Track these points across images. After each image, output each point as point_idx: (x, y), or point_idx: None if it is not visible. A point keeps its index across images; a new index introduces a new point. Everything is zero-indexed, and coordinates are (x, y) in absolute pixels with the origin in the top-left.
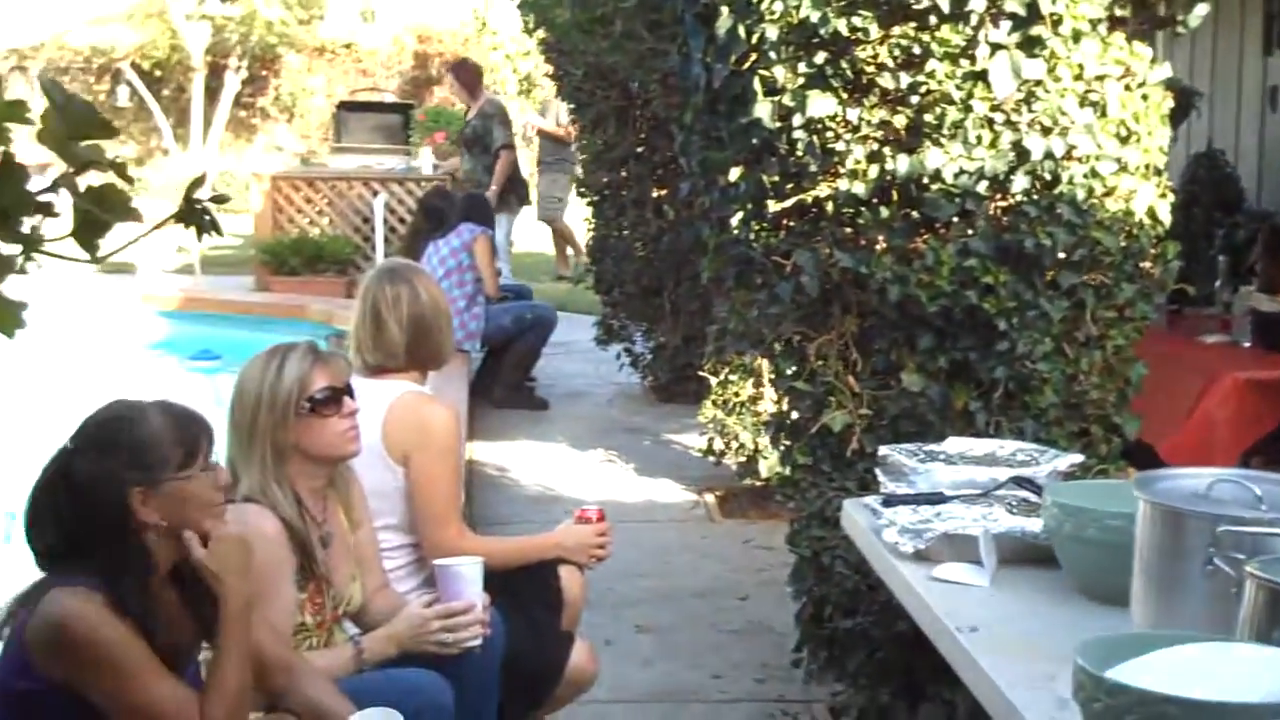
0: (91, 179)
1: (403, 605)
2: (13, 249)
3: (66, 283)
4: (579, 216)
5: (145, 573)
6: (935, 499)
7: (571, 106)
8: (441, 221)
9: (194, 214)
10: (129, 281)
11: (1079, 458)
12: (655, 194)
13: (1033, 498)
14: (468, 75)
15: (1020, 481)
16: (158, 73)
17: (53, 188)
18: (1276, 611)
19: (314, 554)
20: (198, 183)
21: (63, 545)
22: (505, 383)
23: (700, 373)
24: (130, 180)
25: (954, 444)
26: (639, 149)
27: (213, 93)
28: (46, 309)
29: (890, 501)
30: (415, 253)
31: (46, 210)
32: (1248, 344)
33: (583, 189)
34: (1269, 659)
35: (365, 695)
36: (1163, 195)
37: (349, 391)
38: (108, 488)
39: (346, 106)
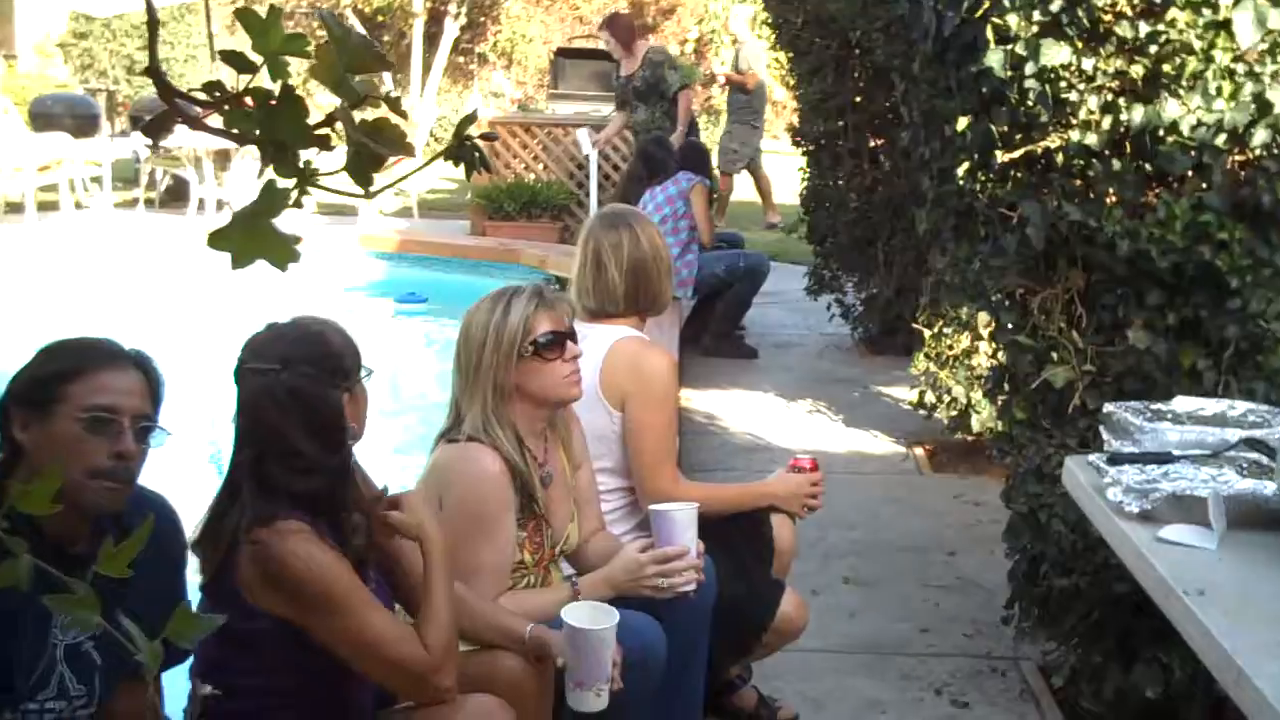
0: (366, 114)
1: (618, 547)
2: (288, 182)
3: (288, 223)
4: (793, 166)
5: (348, 493)
6: (1163, 459)
7: (789, 55)
8: (657, 169)
9: (465, 151)
10: (348, 224)
11: None
12: (872, 144)
13: (1265, 460)
14: (621, 29)
15: (1252, 443)
16: (379, 18)
17: (328, 121)
18: None
19: (535, 493)
20: (469, 119)
21: (280, 467)
22: (715, 331)
23: (912, 325)
24: (404, 115)
25: (1182, 403)
26: (856, 98)
27: (432, 39)
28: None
29: (1116, 460)
30: (631, 199)
31: (323, 144)
32: None
33: (798, 138)
34: None
35: None
36: None
37: (572, 336)
38: (326, 396)
39: (564, 54)
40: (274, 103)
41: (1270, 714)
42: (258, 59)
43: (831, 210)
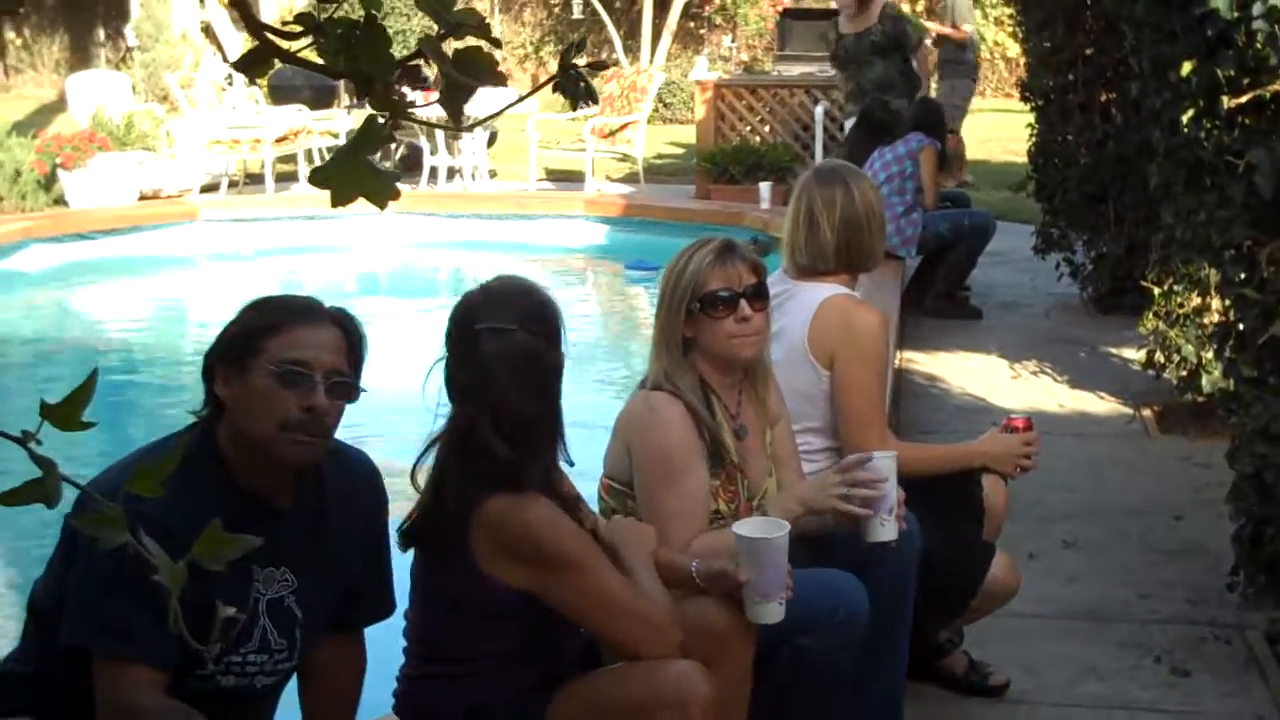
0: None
1: None
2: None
3: (509, 189)
4: (1022, 122)
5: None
6: None
7: (1018, 8)
8: (881, 132)
9: (569, 81)
10: (575, 190)
11: None
12: (1103, 98)
13: None
14: None
15: None
16: None
17: (418, 52)
18: None
19: (723, 441)
20: (574, 47)
21: (509, 428)
22: (939, 291)
23: (1142, 283)
24: (498, 43)
25: None
26: (1087, 51)
27: (663, 3)
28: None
29: None
30: (857, 161)
31: (412, 75)
32: None
33: (1026, 93)
34: None
35: None
36: None
37: (750, 295)
38: (554, 357)
39: (790, 14)
40: (356, 32)
41: None
42: None
43: (1060, 166)
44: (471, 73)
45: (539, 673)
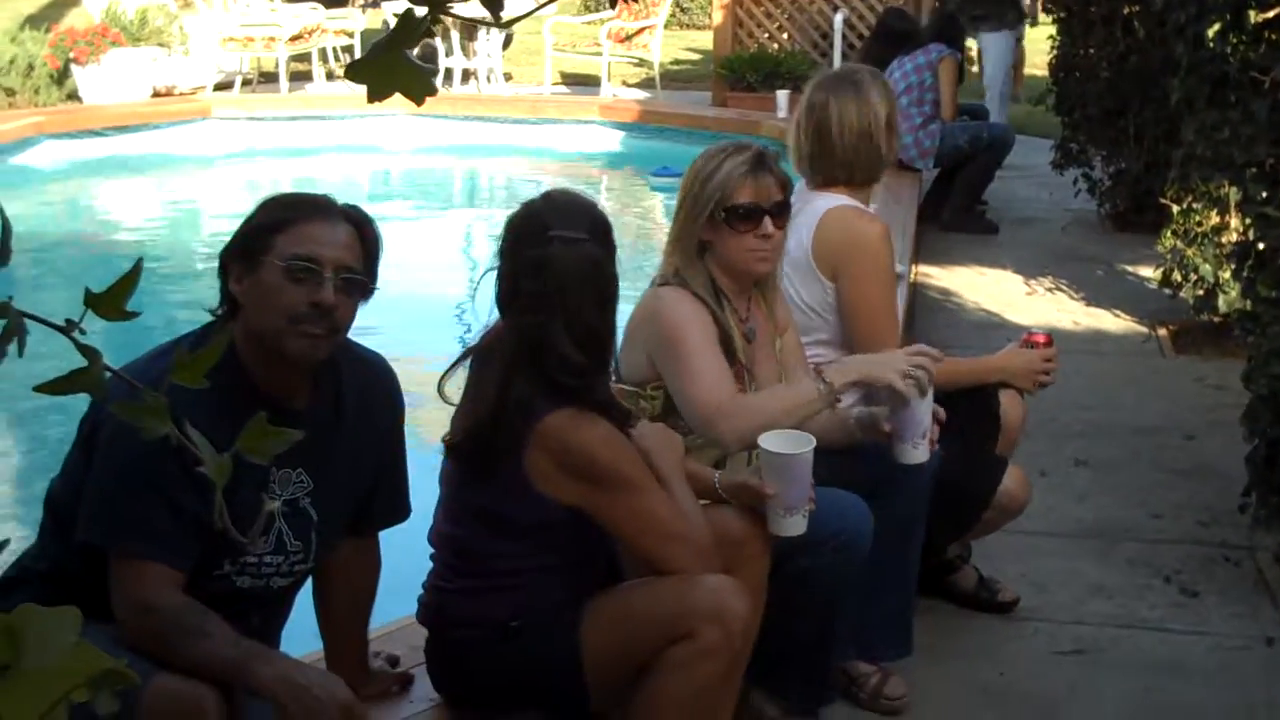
0: None
1: (836, 417)
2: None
3: (524, 93)
4: (1044, 35)
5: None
6: None
7: None
8: (899, 41)
9: None
10: (590, 94)
11: None
12: (1125, 10)
13: None
14: None
15: None
16: None
17: None
18: None
19: (732, 336)
20: None
21: (570, 340)
22: (955, 205)
23: (1161, 201)
24: None
25: None
26: None
27: None
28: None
29: None
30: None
31: None
32: None
33: (1049, 5)
34: None
35: None
36: None
37: (774, 211)
38: (614, 269)
39: None
40: None
41: None
42: None
43: (1081, 80)
44: None
45: (572, 587)
